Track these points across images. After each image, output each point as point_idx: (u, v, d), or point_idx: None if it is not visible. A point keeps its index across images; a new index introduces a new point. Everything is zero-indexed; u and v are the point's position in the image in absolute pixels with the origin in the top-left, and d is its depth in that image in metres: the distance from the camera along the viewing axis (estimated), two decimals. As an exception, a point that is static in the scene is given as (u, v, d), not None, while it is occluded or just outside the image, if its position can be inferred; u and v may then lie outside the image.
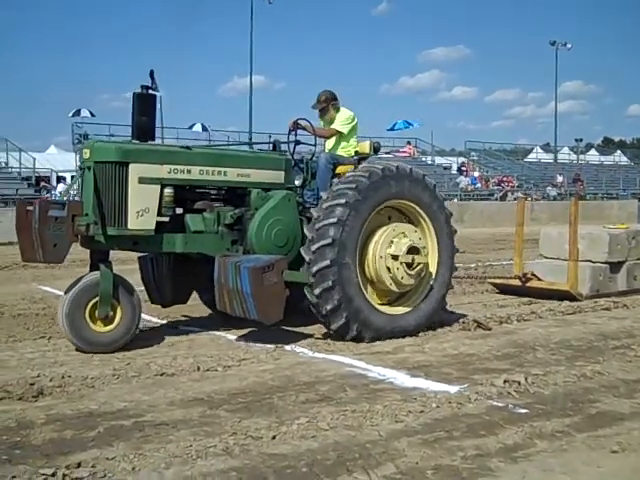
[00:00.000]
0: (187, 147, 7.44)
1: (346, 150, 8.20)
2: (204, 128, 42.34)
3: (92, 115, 40.47)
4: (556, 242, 10.50)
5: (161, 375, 5.79)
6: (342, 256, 6.92)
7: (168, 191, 6.84)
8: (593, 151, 64.81)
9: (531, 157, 56.46)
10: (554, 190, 41.49)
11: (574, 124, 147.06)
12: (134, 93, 6.89)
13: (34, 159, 31.25)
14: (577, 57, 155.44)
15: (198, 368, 5.98)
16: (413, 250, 7.32)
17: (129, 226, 6.62)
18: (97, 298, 6.47)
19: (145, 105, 6.94)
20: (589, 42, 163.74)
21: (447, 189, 38.40)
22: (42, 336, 7.24)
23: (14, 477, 3.69)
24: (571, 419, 4.78)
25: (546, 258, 10.67)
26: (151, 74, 7.14)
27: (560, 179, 44.06)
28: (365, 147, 8.36)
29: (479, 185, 40.37)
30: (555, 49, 56.57)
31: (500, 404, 5.08)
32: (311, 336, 7.27)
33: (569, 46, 57.72)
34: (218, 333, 7.36)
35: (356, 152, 8.26)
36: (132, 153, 6.72)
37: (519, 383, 5.52)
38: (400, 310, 7.55)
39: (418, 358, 6.48)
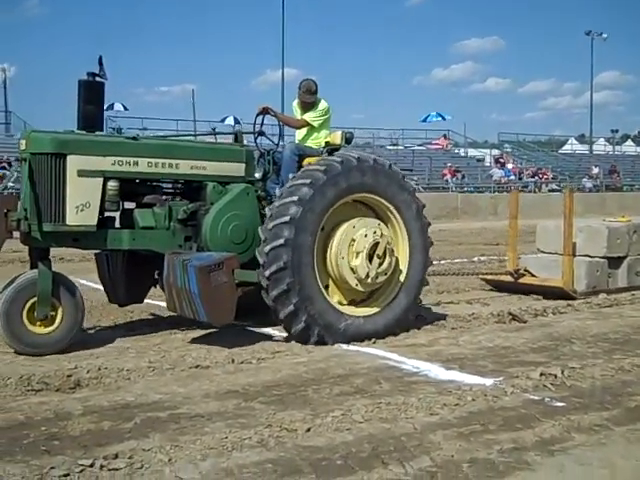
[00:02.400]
0: (134, 137, 7.05)
1: (316, 141, 7.79)
2: (236, 121, 42.49)
3: (125, 109, 40.88)
4: (553, 236, 9.88)
5: (196, 367, 5.82)
6: (299, 237, 6.51)
7: (112, 184, 6.46)
8: (629, 142, 63.89)
9: (566, 148, 55.84)
10: (590, 182, 40.99)
11: (610, 115, 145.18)
12: (80, 80, 6.55)
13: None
14: (613, 47, 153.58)
15: (232, 361, 6.01)
16: (374, 248, 6.83)
17: (67, 222, 6.26)
18: (35, 298, 6.16)
19: (92, 93, 6.59)
20: (625, 32, 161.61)
21: (480, 181, 38.20)
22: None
23: (53, 468, 3.73)
24: (609, 412, 4.73)
25: (543, 253, 10.18)
26: (100, 60, 6.69)
27: (596, 170, 43.50)
28: (336, 138, 7.75)
29: (513, 177, 40.02)
30: (590, 39, 55.75)
31: (536, 397, 5.03)
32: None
33: (605, 36, 56.82)
34: (252, 326, 7.37)
35: (327, 143, 7.73)
36: (70, 144, 6.32)
37: (555, 376, 5.47)
38: (359, 311, 7.03)
39: (453, 351, 6.44)
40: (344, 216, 6.97)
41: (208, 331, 7.11)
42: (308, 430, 4.33)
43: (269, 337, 6.93)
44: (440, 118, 48.53)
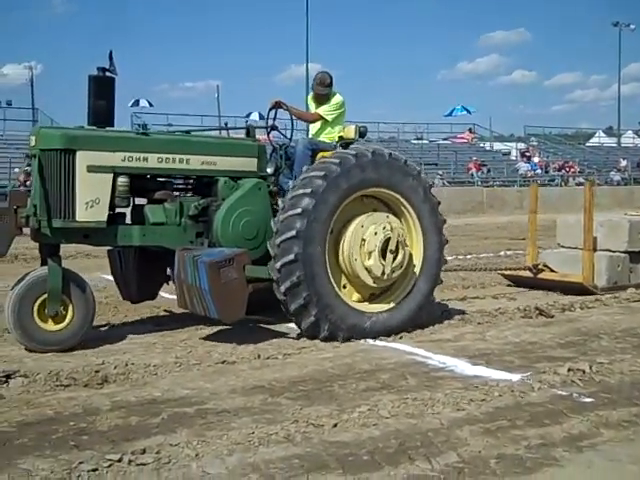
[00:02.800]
0: (144, 133, 6.83)
1: (329, 136, 7.72)
2: (261, 116, 42.50)
3: (150, 105, 41.16)
4: (574, 230, 9.61)
5: (222, 363, 5.84)
6: (308, 250, 6.43)
7: (122, 180, 6.42)
8: (658, 134, 63.07)
9: (593, 141, 55.34)
10: (618, 175, 40.58)
11: (638, 107, 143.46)
12: (90, 75, 6.50)
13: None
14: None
15: (258, 356, 6.02)
16: (386, 243, 6.73)
17: (77, 218, 6.22)
18: (45, 295, 6.14)
19: (102, 88, 6.54)
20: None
21: (506, 175, 37.98)
22: (105, 324, 7.37)
23: (81, 462, 3.76)
24: (638, 408, 4.67)
25: (564, 247, 9.96)
26: (110, 55, 6.63)
27: (624, 163, 43.06)
28: (350, 132, 7.71)
29: (539, 171, 39.73)
30: (618, 30, 55.21)
31: (564, 393, 4.99)
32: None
33: (632, 27, 56.25)
34: (277, 321, 7.37)
35: (340, 137, 7.70)
36: (79, 140, 6.28)
37: (584, 372, 5.42)
38: (380, 307, 6.97)
39: (479, 346, 6.41)
40: (353, 212, 6.89)
41: (234, 327, 7.13)
42: (335, 425, 4.32)
43: (294, 332, 6.92)
44: (465, 112, 48.27)
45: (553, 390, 5.05)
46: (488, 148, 45.72)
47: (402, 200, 7.07)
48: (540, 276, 9.62)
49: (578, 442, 4.09)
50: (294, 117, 7.71)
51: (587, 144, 52.98)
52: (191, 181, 7.26)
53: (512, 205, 30.12)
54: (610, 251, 9.48)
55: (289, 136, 7.63)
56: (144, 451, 3.91)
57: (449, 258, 13.40)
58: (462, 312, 7.85)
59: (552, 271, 9.66)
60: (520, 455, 3.90)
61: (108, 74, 6.61)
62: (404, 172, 7.08)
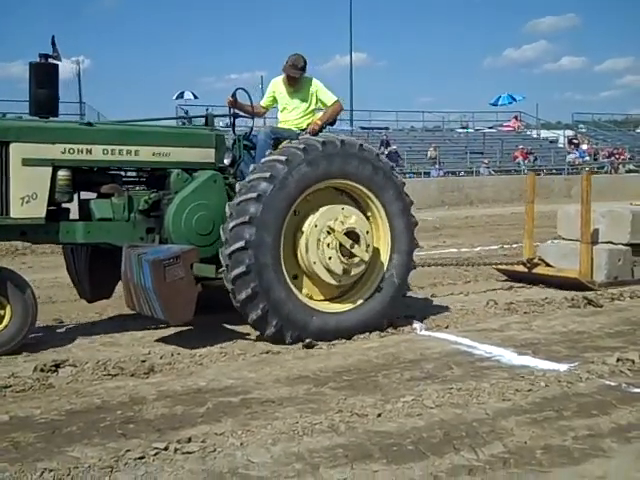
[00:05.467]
0: (88, 123, 6.47)
1: (298, 123, 7.25)
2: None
3: (195, 97, 41.27)
4: (574, 222, 9.00)
5: (266, 353, 5.87)
6: (261, 238, 6.00)
7: (63, 174, 6.01)
8: None
9: (643, 127, 54.15)
10: (669, 161, 39.71)
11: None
12: (31, 63, 6.13)
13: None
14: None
15: (303, 346, 6.03)
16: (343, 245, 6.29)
17: (12, 214, 5.83)
18: None
19: (44, 76, 6.12)
20: None
21: (554, 163, 37.42)
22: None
23: (128, 450, 3.81)
24: (689, 399, 4.58)
25: (564, 240, 9.42)
26: (52, 41, 6.27)
27: (675, 150, 42.10)
28: None
29: (587, 158, 39.07)
30: (669, 13, 53.94)
31: (613, 383, 4.92)
32: (415, 314, 7.18)
33: (684, 10, 54.89)
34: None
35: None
36: (12, 131, 5.88)
37: (633, 362, 5.33)
38: (338, 307, 6.51)
39: (525, 335, 6.34)
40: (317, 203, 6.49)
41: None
42: (379, 415, 4.32)
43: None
44: (512, 101, 47.58)
45: (601, 380, 4.98)
46: (535, 136, 45.08)
47: (371, 196, 6.61)
48: (535, 271, 9.14)
49: (626, 433, 4.03)
50: (328, 121, 7.26)
51: (638, 130, 51.93)
52: (142, 174, 6.92)
53: (559, 194, 29.62)
54: (612, 243, 8.94)
55: (252, 124, 7.30)
56: (190, 440, 3.95)
57: (494, 247, 13.39)
58: (508, 301, 7.77)
59: (548, 265, 9.21)
60: (567, 446, 3.86)
61: (51, 60, 6.24)
62: (375, 166, 6.60)
